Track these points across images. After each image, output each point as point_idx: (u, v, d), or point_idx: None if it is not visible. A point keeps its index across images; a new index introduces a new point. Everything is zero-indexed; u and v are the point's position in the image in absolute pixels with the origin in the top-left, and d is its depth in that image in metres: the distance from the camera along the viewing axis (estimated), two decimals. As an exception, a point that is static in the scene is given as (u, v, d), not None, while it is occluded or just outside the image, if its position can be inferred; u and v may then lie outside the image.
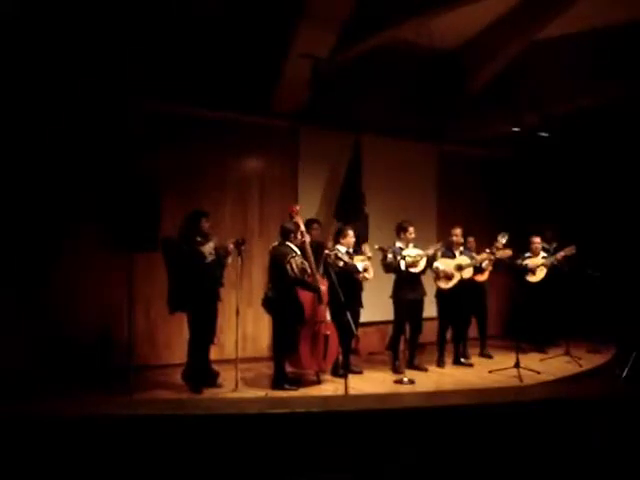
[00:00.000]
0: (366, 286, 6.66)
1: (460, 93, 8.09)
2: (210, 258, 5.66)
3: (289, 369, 6.09)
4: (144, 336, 6.50)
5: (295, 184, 7.62)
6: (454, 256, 7.03)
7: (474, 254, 7.21)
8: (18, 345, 5.65)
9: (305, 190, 7.63)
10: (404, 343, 6.54)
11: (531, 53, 7.25)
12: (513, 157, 9.40)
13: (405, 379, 6.16)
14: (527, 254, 7.74)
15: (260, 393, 5.65)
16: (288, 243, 5.90)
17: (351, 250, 6.53)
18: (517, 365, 6.35)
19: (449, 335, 7.29)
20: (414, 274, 6.57)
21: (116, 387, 5.47)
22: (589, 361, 7.23)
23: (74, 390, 5.39)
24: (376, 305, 7.03)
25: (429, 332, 7.77)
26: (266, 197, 7.47)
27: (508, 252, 7.07)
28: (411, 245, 6.69)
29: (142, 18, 6.09)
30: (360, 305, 6.58)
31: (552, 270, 7.52)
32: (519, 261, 7.53)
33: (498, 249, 7.05)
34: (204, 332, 5.73)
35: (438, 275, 6.89)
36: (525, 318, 7.68)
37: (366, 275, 6.50)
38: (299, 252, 5.87)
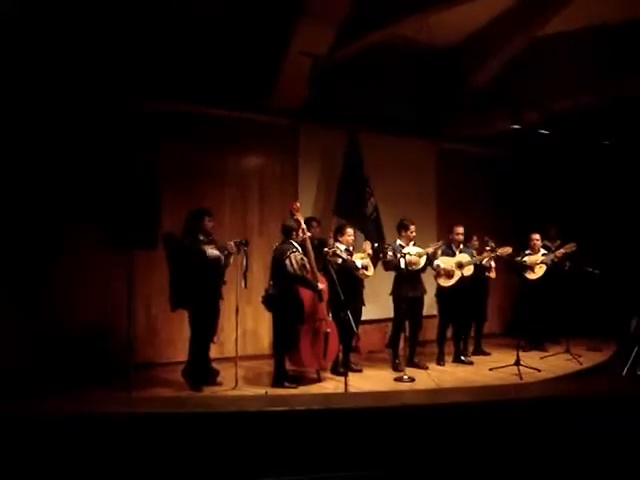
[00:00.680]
0: (366, 284, 6.66)
1: (460, 90, 8.09)
2: (212, 256, 5.65)
3: (289, 367, 6.08)
4: (144, 334, 6.50)
5: (295, 181, 7.61)
6: (454, 254, 7.02)
7: (474, 251, 7.22)
8: (18, 344, 5.65)
9: (305, 187, 7.62)
10: (404, 341, 6.54)
11: (531, 50, 7.23)
12: (513, 155, 9.39)
13: (405, 377, 6.16)
14: (527, 251, 7.74)
15: (260, 391, 5.64)
16: (291, 241, 5.90)
17: (351, 248, 6.53)
18: (517, 363, 6.35)
19: (449, 333, 7.28)
20: (414, 272, 6.57)
21: (116, 385, 5.47)
22: (589, 359, 7.22)
23: (74, 389, 5.39)
24: (376, 303, 7.02)
25: (429, 330, 7.80)
26: (266, 195, 7.46)
27: (508, 249, 7.07)
28: (411, 243, 6.70)
29: (142, 18, 6.09)
30: (362, 303, 6.58)
31: (552, 268, 7.51)
32: (519, 258, 7.53)
33: (498, 246, 7.06)
34: (205, 330, 5.73)
35: (439, 273, 6.89)
36: (525, 316, 7.68)
37: (366, 272, 6.50)
38: (300, 249, 5.87)
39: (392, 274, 6.67)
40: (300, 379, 6.14)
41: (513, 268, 7.56)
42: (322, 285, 5.96)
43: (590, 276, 7.32)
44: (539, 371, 6.45)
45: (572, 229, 8.07)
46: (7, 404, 2.80)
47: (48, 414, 2.40)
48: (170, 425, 2.37)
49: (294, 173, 7.62)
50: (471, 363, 7.10)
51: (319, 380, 6.18)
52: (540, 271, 7.53)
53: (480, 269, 7.27)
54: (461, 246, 7.12)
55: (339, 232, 6.60)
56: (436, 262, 6.81)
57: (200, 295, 5.62)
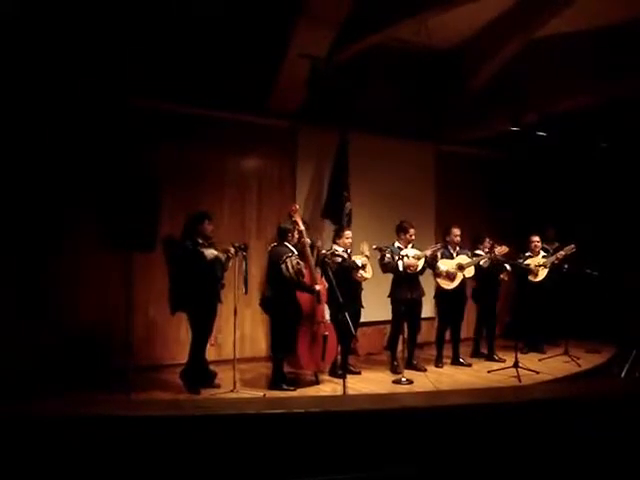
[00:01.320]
0: (364, 286, 6.65)
1: (459, 92, 8.09)
2: (211, 256, 5.64)
3: (287, 369, 6.08)
4: (143, 336, 6.49)
5: (293, 183, 7.61)
6: (452, 256, 7.02)
7: (469, 252, 7.21)
8: (18, 345, 5.63)
9: (303, 190, 7.63)
10: (402, 343, 6.54)
11: (530, 52, 7.24)
12: (511, 157, 9.40)
13: (403, 379, 6.16)
14: (527, 253, 7.74)
15: (258, 393, 5.64)
16: (286, 243, 5.90)
17: (349, 250, 6.53)
18: (516, 365, 6.36)
19: (447, 335, 7.28)
20: (412, 274, 6.56)
21: (115, 387, 5.45)
22: (588, 361, 7.22)
23: (73, 390, 5.38)
24: (374, 305, 7.01)
25: (427, 332, 7.80)
26: (264, 197, 7.46)
27: (505, 249, 7.05)
28: (409, 245, 6.69)
29: (142, 18, 6.09)
30: (360, 305, 6.58)
31: (552, 270, 7.51)
32: (520, 261, 7.51)
33: (495, 247, 7.07)
34: (205, 332, 5.74)
35: (441, 276, 6.89)
36: (525, 318, 7.68)
37: (364, 274, 6.49)
38: (296, 252, 5.86)
39: (390, 276, 6.66)
40: (298, 382, 6.14)
41: (516, 271, 7.53)
42: (319, 287, 5.95)
43: (589, 278, 7.32)
44: (538, 373, 6.46)
45: (570, 231, 8.08)
46: (7, 404, 2.79)
47: (47, 415, 2.40)
48: (168, 427, 2.37)
49: (292, 175, 7.62)
50: (469, 365, 7.11)
51: (317, 382, 6.17)
52: (542, 274, 7.53)
53: (496, 270, 7.27)
54: (458, 248, 7.12)
55: (337, 234, 6.61)
56: (438, 266, 6.82)
57: (199, 298, 5.61)
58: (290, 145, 7.58)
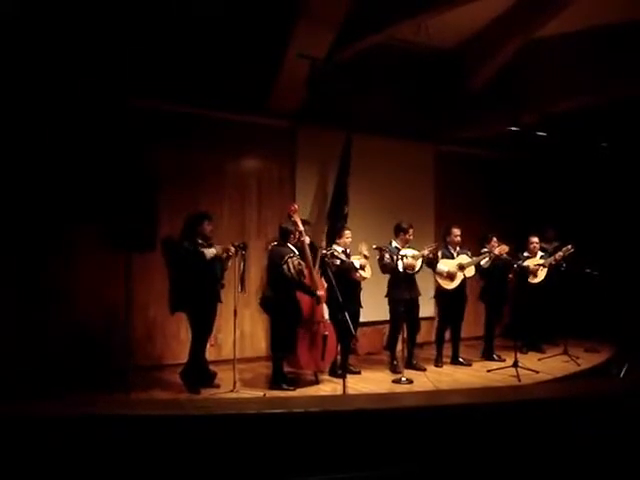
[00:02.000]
0: (364, 286, 6.66)
1: (459, 92, 8.09)
2: (211, 255, 5.63)
3: (287, 369, 6.09)
4: (143, 336, 6.50)
5: (293, 184, 7.61)
6: (452, 256, 7.02)
7: (469, 252, 7.21)
8: (18, 345, 5.64)
9: (303, 190, 7.62)
10: (402, 343, 6.55)
11: (530, 52, 7.25)
12: (511, 157, 9.40)
13: (403, 379, 6.16)
14: (525, 254, 7.74)
15: (258, 393, 5.64)
16: (287, 243, 5.90)
17: (348, 250, 6.53)
18: (515, 364, 6.36)
19: (447, 335, 7.28)
20: (410, 274, 6.56)
21: (115, 387, 5.45)
22: (587, 360, 7.21)
23: (73, 390, 5.38)
24: (374, 305, 7.02)
25: (427, 332, 7.80)
26: (264, 197, 7.46)
27: (505, 248, 7.05)
28: (407, 245, 6.69)
29: (142, 18, 6.09)
30: (359, 305, 6.58)
31: (551, 270, 7.52)
32: (519, 262, 7.51)
33: (494, 247, 7.07)
34: (205, 332, 5.74)
35: (442, 276, 6.89)
36: (524, 318, 7.68)
37: (363, 274, 6.50)
38: (297, 252, 5.87)
39: (387, 276, 6.66)
40: (298, 381, 6.14)
41: (516, 272, 7.52)
42: (321, 292, 5.95)
43: (588, 277, 7.32)
44: (537, 373, 6.46)
45: (570, 231, 8.08)
46: (7, 404, 2.80)
47: (48, 414, 2.40)
48: (168, 427, 2.37)
49: (292, 175, 7.62)
50: (469, 365, 7.11)
51: (317, 382, 6.18)
52: (542, 274, 7.54)
53: (505, 270, 7.27)
54: (458, 248, 7.12)
55: (337, 234, 6.61)
56: (439, 266, 6.82)
57: (199, 298, 5.62)
58: (290, 145, 7.58)
